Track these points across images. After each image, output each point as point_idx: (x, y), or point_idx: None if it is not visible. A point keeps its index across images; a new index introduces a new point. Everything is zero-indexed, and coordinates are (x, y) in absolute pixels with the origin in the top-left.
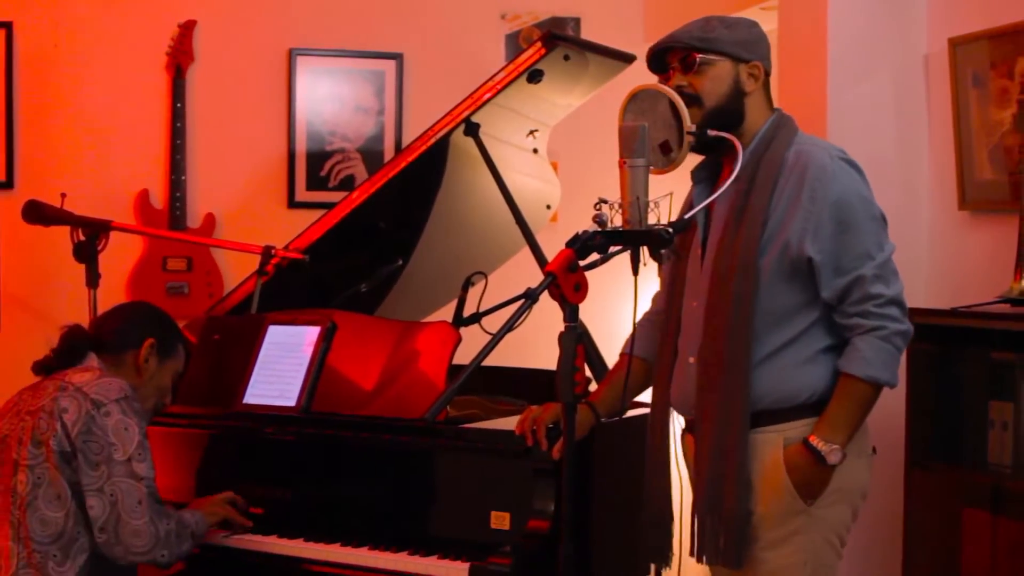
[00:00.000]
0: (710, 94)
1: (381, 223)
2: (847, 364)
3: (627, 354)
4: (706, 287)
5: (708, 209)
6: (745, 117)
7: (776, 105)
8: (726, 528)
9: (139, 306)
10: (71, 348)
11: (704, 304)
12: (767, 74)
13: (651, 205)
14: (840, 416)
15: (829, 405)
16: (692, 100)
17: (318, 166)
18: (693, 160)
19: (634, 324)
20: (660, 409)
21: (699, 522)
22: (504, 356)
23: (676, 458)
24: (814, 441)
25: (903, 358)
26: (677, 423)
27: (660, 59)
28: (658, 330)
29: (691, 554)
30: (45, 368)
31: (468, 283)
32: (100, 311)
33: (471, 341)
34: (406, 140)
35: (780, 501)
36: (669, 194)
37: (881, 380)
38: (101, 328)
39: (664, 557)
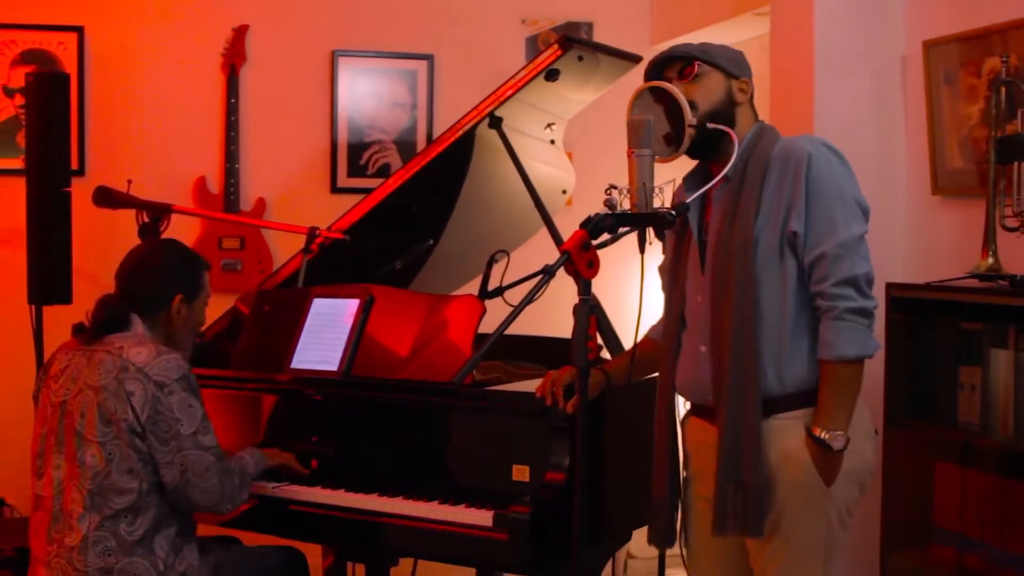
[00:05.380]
0: (704, 100)
1: (414, 207)
2: (819, 351)
3: (647, 338)
4: (709, 280)
5: (703, 213)
6: (735, 124)
7: (770, 102)
8: (745, 498)
9: (161, 256)
10: (116, 315)
11: (708, 296)
12: (752, 94)
13: (656, 190)
14: (831, 402)
15: (819, 394)
16: (690, 105)
17: (358, 155)
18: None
19: (641, 298)
20: (666, 399)
21: (720, 495)
22: (524, 326)
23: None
24: (817, 432)
25: (882, 328)
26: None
27: (659, 71)
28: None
29: (713, 531)
30: (85, 334)
31: (492, 260)
32: None
33: (495, 312)
34: (436, 132)
35: (799, 484)
36: (672, 181)
37: (847, 357)
38: (134, 288)
39: (669, 540)
